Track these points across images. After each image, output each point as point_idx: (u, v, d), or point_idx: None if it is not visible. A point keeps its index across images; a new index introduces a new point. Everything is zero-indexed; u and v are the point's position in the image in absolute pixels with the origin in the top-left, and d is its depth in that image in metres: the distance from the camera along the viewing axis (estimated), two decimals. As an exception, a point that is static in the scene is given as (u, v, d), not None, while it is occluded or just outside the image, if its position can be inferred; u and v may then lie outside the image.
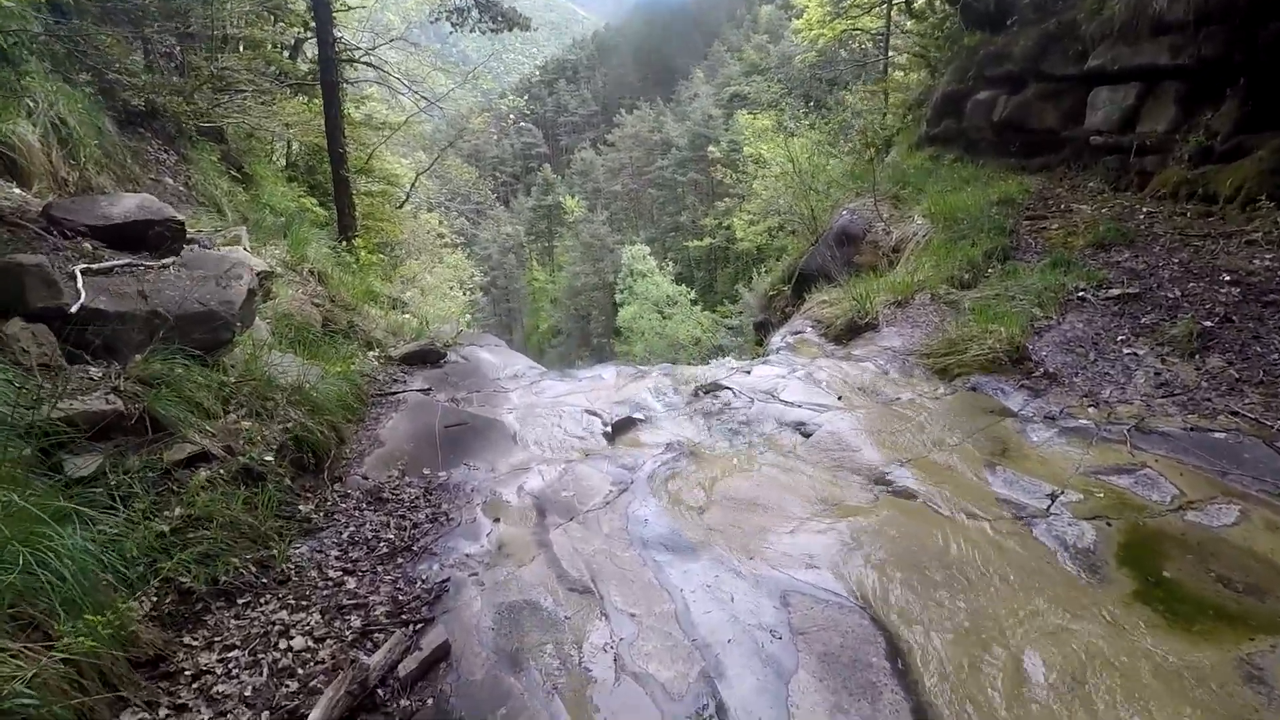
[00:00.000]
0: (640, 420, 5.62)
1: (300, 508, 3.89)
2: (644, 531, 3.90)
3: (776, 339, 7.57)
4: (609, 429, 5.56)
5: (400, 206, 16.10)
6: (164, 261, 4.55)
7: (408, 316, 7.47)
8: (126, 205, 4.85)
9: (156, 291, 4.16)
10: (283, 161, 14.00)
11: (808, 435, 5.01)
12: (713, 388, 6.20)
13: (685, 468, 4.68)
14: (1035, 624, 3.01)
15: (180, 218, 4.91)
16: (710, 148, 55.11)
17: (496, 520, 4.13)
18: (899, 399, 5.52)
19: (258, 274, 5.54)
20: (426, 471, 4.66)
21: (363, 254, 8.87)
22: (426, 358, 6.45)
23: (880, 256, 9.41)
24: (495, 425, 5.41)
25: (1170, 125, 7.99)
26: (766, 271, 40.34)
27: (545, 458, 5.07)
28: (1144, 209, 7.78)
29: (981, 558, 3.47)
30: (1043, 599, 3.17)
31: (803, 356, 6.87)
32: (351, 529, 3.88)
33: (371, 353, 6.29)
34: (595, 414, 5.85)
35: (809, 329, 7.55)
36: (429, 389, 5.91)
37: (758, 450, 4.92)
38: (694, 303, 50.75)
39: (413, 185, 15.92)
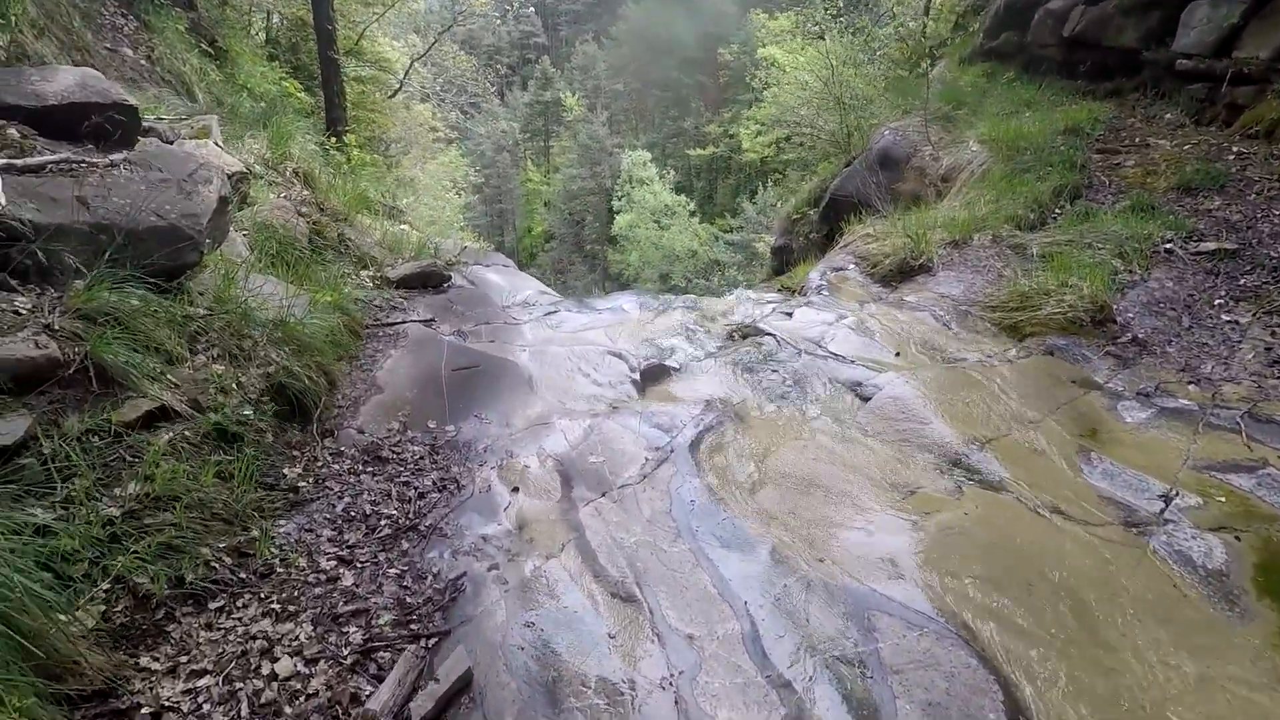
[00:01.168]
0: (673, 369, 4.97)
1: (286, 472, 3.27)
2: (691, 518, 3.34)
3: (815, 275, 6.83)
4: (637, 376, 4.93)
5: (392, 96, 14.74)
6: (112, 158, 3.69)
7: (405, 228, 6.61)
8: (65, 82, 3.92)
9: (102, 198, 3.35)
10: (262, 36, 12.56)
11: (866, 399, 4.40)
12: (751, 332, 5.53)
13: (730, 434, 4.08)
14: (1177, 677, 2.50)
15: (133, 102, 4.01)
16: (720, 50, 51.96)
17: (515, 490, 3.55)
18: (965, 359, 4.89)
19: (232, 176, 4.69)
20: (432, 424, 4.03)
21: (354, 152, 7.84)
22: (428, 280, 5.68)
23: (926, 185, 8.55)
24: (508, 368, 4.74)
25: (1275, 52, 7.04)
26: (774, 185, 38.92)
27: (567, 409, 4.45)
28: (1234, 149, 6.94)
29: (1094, 578, 2.93)
30: (1178, 638, 2.66)
31: (847, 299, 6.17)
32: (347, 500, 3.28)
33: (365, 272, 5.51)
34: (619, 356, 5.19)
35: (851, 266, 6.82)
36: (432, 319, 5.19)
37: (811, 415, 4.31)
38: (692, 214, 49.29)
39: (407, 72, 14.49)
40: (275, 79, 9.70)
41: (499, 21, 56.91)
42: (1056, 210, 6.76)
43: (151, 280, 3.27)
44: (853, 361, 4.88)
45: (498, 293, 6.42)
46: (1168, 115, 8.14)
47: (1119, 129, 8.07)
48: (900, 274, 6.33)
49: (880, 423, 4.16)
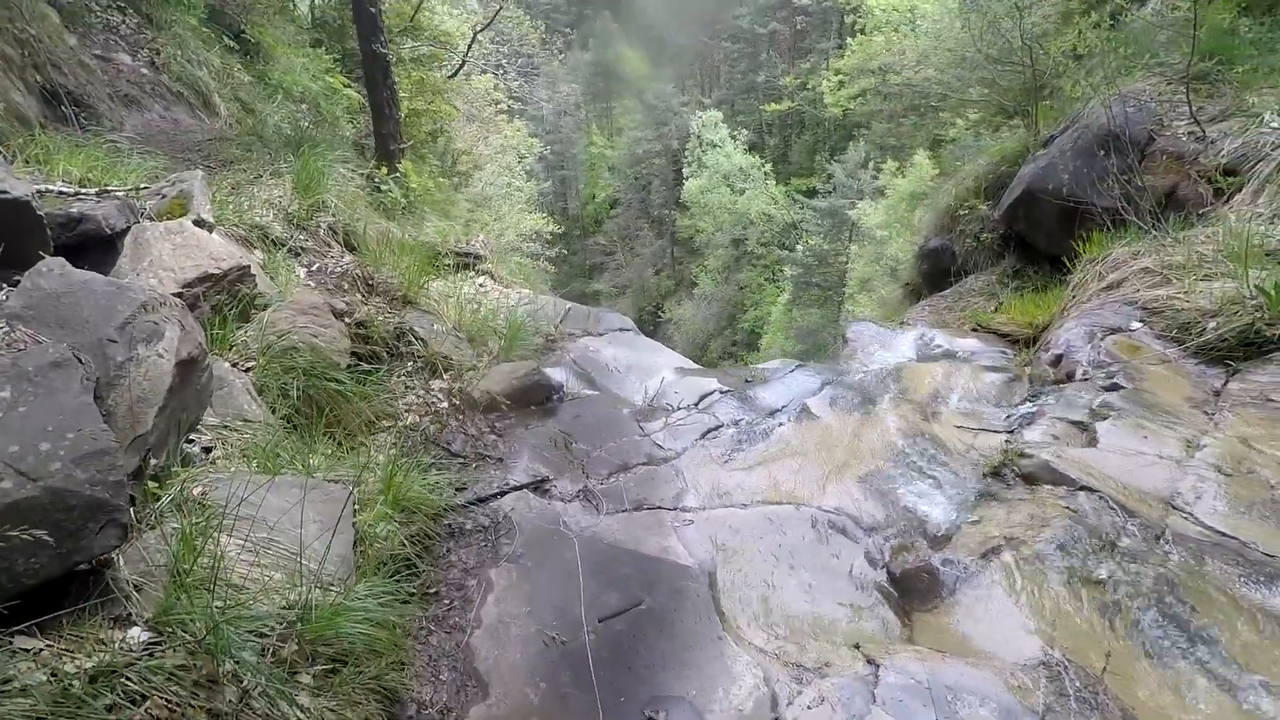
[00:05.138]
0: (943, 575, 2.95)
1: None
2: None
3: (1078, 339, 4.62)
4: (885, 580, 2.97)
5: (453, 75, 12.85)
6: (-30, 317, 1.92)
7: (489, 298, 4.69)
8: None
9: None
10: (307, 17, 10.79)
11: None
12: (1035, 472, 3.46)
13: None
14: None
15: (19, 194, 2.22)
16: (799, -10, 47.73)
17: None
18: None
19: (223, 277, 2.89)
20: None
21: (413, 181, 5.93)
22: (530, 394, 3.80)
23: (1191, 179, 6.10)
24: (683, 595, 2.84)
25: None
26: (862, 142, 35.60)
27: (793, 667, 2.57)
28: None
29: None
30: None
31: (1162, 393, 3.98)
32: None
33: (438, 384, 3.68)
34: (842, 531, 3.24)
35: (1138, 326, 4.58)
36: (545, 479, 3.32)
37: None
38: (766, 176, 46.35)
39: (470, 45, 12.53)
40: (318, 71, 7.92)
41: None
42: None
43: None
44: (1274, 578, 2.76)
45: (622, 384, 4.51)
46: None
47: None
48: (1241, 347, 4.08)
49: None
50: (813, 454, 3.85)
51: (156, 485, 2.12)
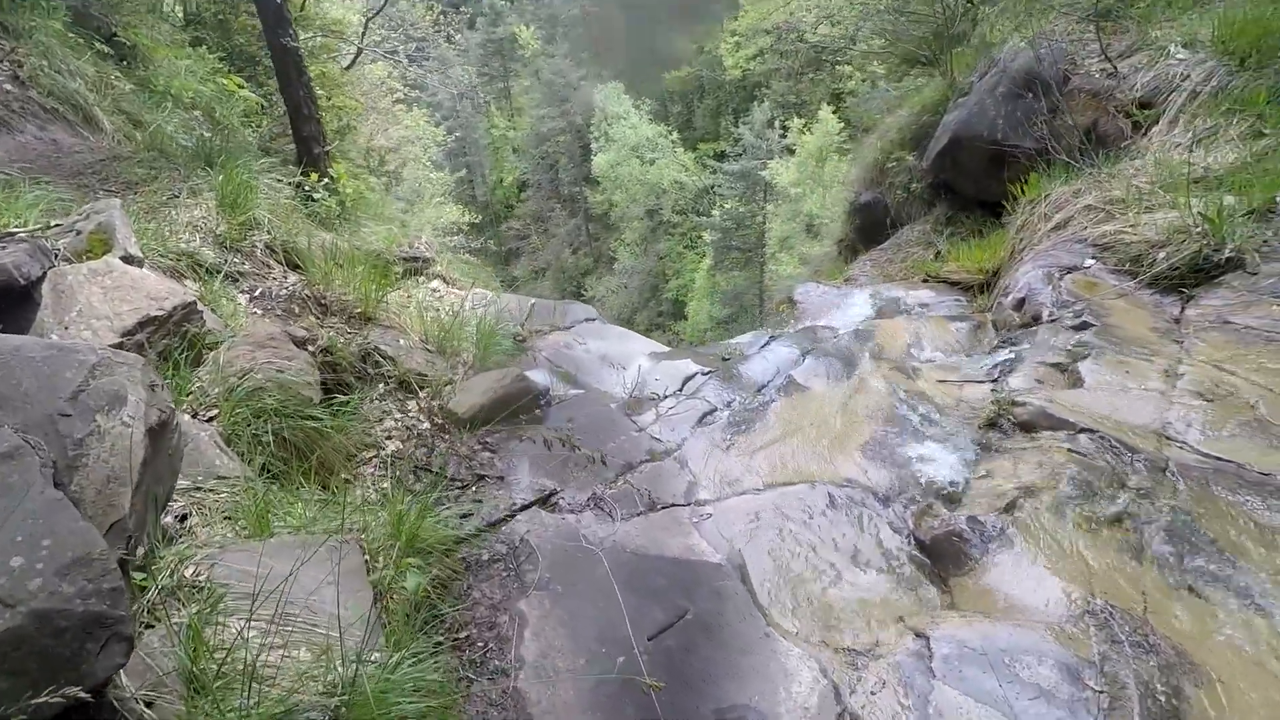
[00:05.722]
0: (970, 539, 2.94)
1: None
2: None
3: (1036, 280, 4.72)
4: (914, 548, 2.95)
5: (349, 67, 12.11)
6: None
7: (446, 303, 4.33)
8: None
9: None
10: (180, 13, 9.84)
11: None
12: (1031, 419, 3.49)
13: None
14: None
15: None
16: (686, -46, 47.29)
17: None
18: None
19: (170, 318, 2.54)
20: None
21: (347, 186, 5.41)
22: (514, 403, 3.53)
23: (1110, 114, 6.35)
24: (718, 593, 2.71)
25: None
26: (766, 103, 35.87)
27: (843, 652, 2.51)
28: None
29: None
30: None
31: (1129, 325, 4.11)
32: None
33: (415, 405, 3.37)
34: (861, 504, 3.20)
35: (1091, 262, 4.72)
36: (552, 492, 3.11)
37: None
38: (674, 144, 46.35)
39: (364, 33, 11.79)
40: (206, 73, 7.21)
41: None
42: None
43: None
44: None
45: (601, 377, 4.31)
46: None
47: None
48: (1191, 274, 4.26)
49: None
50: (810, 427, 3.80)
51: (143, 576, 1.82)
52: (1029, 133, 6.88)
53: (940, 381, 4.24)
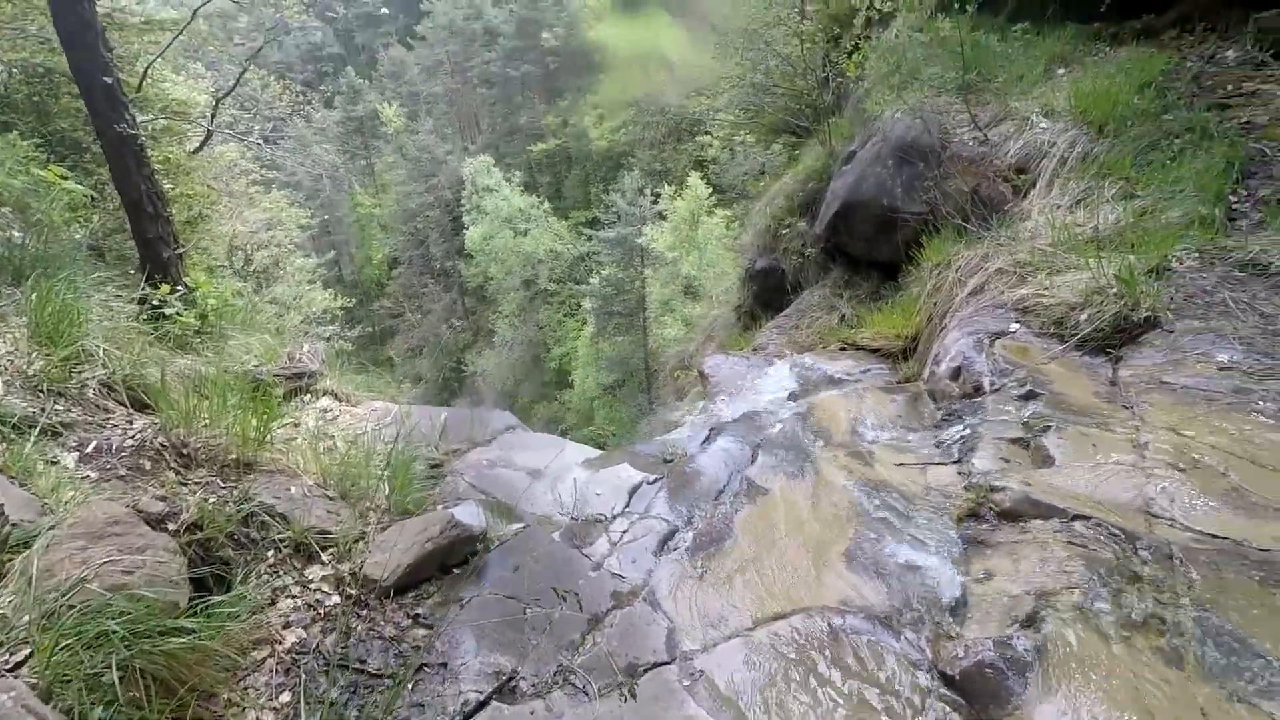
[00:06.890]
0: (999, 664, 2.60)
1: None
2: None
3: (968, 348, 4.67)
4: (947, 687, 2.56)
5: (198, 150, 11.00)
6: None
7: (340, 426, 3.57)
8: None
9: None
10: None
11: None
12: (1017, 509, 3.27)
13: None
14: None
15: None
16: (544, 34, 48.77)
17: None
18: None
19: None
20: None
21: (210, 296, 4.46)
22: (452, 554, 2.84)
23: (989, 179, 6.67)
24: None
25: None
26: (634, 170, 36.89)
27: None
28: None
29: None
30: None
31: (1072, 392, 4.07)
32: None
33: (322, 573, 2.65)
34: (864, 633, 2.79)
35: (1017, 326, 4.74)
36: (511, 675, 2.47)
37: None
38: (547, 213, 46.70)
39: (214, 114, 10.80)
40: (16, 163, 6.10)
41: (285, 34, 49.91)
42: (1236, 201, 5.07)
43: None
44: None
45: (535, 500, 3.72)
46: (1230, 53, 6.79)
47: (1200, 77, 6.59)
48: (1115, 334, 4.33)
49: None
50: (785, 539, 3.39)
51: None
52: (916, 197, 7.13)
53: (898, 465, 4.01)
